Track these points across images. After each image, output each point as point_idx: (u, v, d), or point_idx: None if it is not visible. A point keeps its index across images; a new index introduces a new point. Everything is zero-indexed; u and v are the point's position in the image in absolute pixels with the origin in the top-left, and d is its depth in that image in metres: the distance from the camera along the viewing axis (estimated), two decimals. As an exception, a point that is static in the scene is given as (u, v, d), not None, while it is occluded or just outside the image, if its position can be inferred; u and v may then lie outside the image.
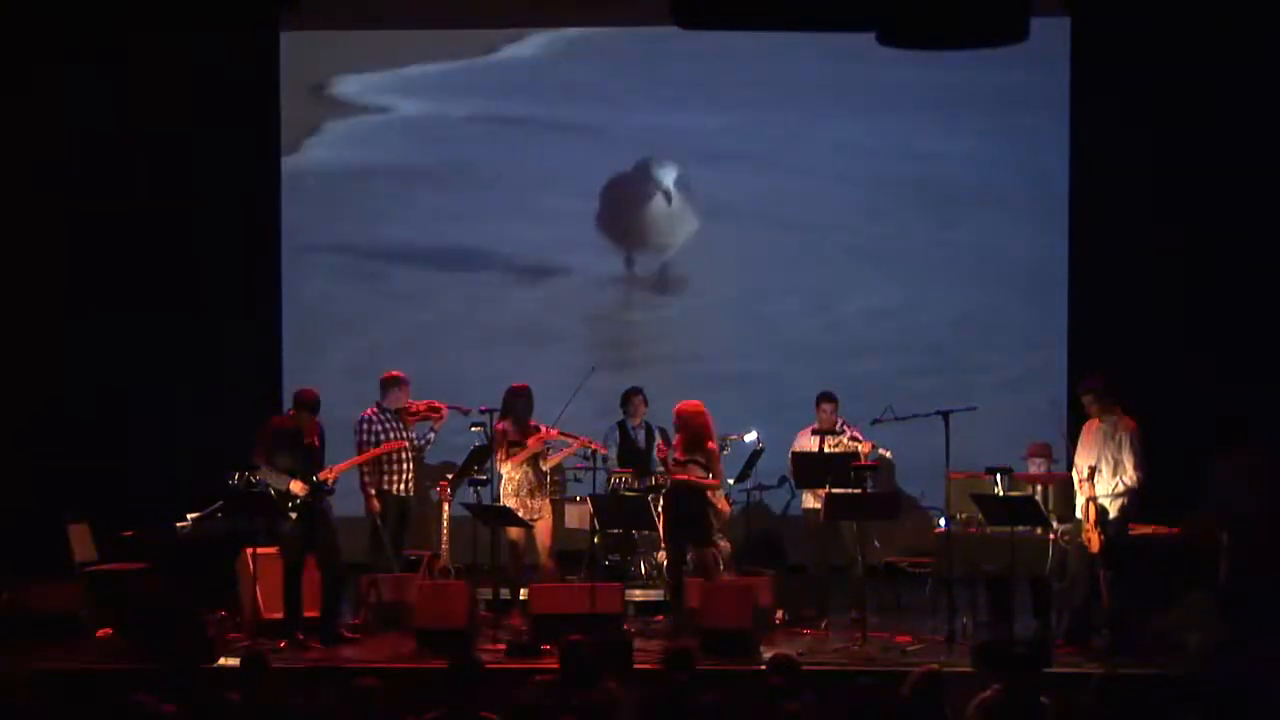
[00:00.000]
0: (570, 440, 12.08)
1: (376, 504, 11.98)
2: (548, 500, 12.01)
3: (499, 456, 11.86)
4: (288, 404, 13.95)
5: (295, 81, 14.47)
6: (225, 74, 13.99)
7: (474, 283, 14.65)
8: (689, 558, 11.56)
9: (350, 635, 11.36)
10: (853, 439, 12.16)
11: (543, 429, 11.91)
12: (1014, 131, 14.12)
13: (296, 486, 11.23)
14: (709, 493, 11.44)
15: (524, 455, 11.88)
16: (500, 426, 11.86)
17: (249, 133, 14.27)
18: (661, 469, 11.90)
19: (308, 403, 11.44)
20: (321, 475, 11.37)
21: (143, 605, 10.90)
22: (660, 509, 11.45)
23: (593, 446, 12.15)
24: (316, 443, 11.48)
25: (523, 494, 11.90)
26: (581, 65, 14.51)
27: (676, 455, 11.37)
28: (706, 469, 11.32)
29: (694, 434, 11.30)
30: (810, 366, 13.92)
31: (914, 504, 13.25)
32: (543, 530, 11.93)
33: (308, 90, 14.53)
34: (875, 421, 12.68)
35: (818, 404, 12.33)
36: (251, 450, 11.38)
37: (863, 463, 11.71)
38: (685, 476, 11.26)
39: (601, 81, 14.47)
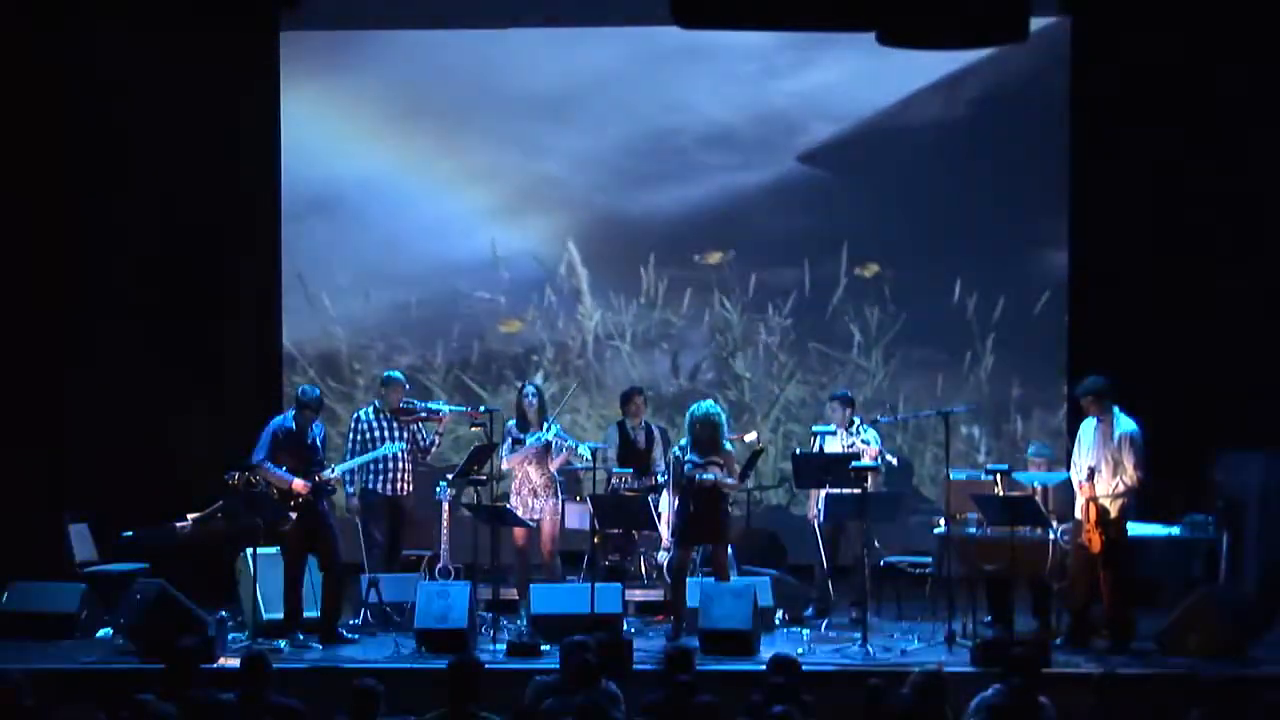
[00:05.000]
0: (565, 445, 12.10)
1: (356, 502, 12.04)
2: (552, 502, 11.99)
3: (505, 451, 11.93)
4: (288, 404, 14.00)
5: (295, 81, 14.46)
6: (225, 74, 13.97)
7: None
8: (693, 556, 11.55)
9: (349, 635, 11.36)
10: (865, 442, 12.20)
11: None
12: (1013, 131, 14.08)
13: (298, 486, 11.23)
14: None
15: (524, 454, 11.89)
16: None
17: (249, 133, 14.25)
18: (664, 471, 11.87)
19: (310, 402, 11.44)
20: (322, 476, 11.38)
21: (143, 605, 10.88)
22: (661, 509, 11.44)
23: (579, 452, 12.08)
24: (318, 442, 11.49)
25: (524, 493, 11.92)
26: (585, 65, 14.49)
27: (690, 459, 11.30)
28: (723, 469, 11.28)
29: (709, 437, 11.25)
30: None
31: (914, 504, 13.28)
32: (546, 531, 11.94)
33: (308, 90, 14.50)
34: (874, 421, 12.71)
35: (829, 404, 12.50)
36: (253, 449, 11.38)
37: (862, 463, 11.70)
38: (712, 483, 11.17)
39: (608, 81, 14.43)
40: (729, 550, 11.89)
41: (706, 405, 11.42)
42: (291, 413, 11.53)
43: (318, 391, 11.67)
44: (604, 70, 13.89)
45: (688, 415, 11.39)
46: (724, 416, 11.45)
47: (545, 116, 14.04)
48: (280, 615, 11.32)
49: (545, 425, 12.00)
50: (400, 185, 14.19)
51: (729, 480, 11.29)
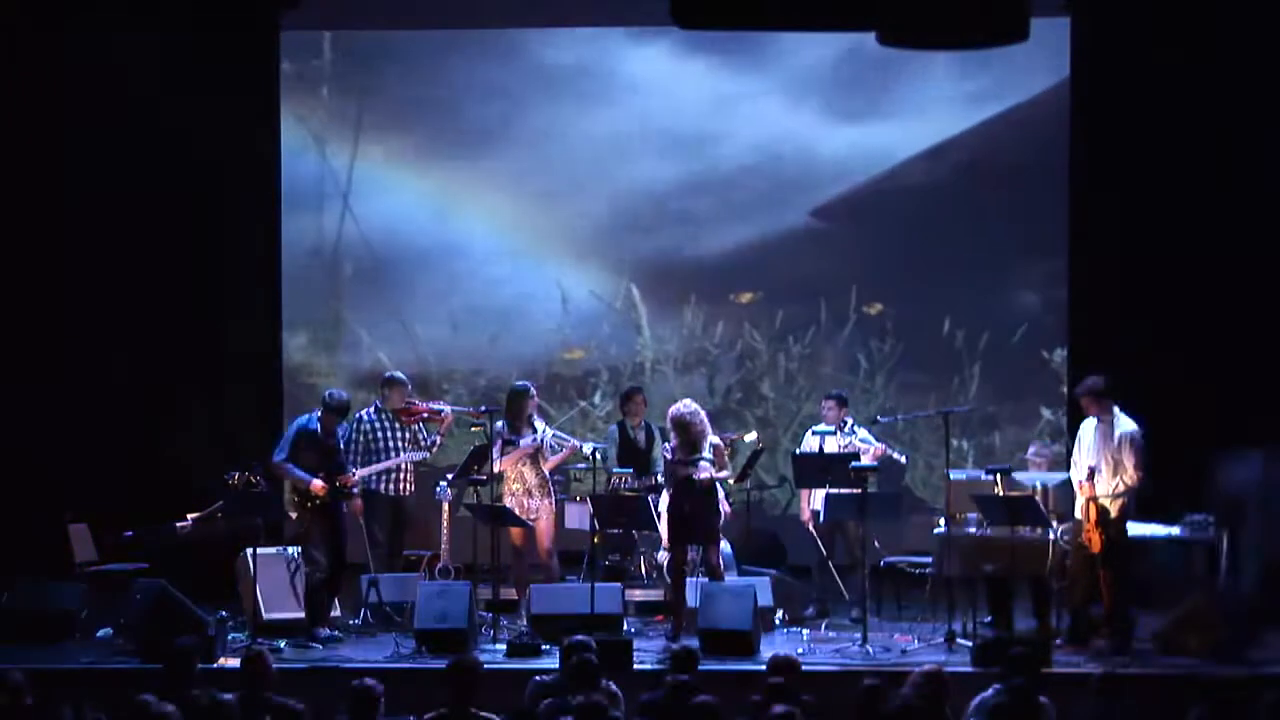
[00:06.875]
0: (564, 445, 12.08)
1: (360, 503, 12.04)
2: (547, 501, 11.98)
3: (496, 453, 11.91)
4: (287, 405, 14.03)
5: (295, 81, 14.47)
6: (225, 74, 13.97)
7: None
8: (690, 557, 11.55)
9: (330, 632, 11.33)
10: (863, 441, 12.22)
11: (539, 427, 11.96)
12: (1013, 131, 14.17)
13: (316, 487, 11.24)
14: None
15: (517, 455, 11.88)
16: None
17: (249, 132, 14.25)
18: (661, 471, 11.88)
19: (334, 406, 11.45)
20: (342, 480, 11.39)
21: (143, 605, 10.88)
22: (661, 509, 11.44)
23: (583, 452, 12.10)
24: (339, 446, 11.51)
25: (519, 493, 11.91)
26: (587, 64, 14.56)
27: (679, 458, 11.31)
28: (712, 464, 11.29)
29: (692, 436, 11.27)
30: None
31: (915, 504, 13.29)
32: (542, 530, 11.92)
33: (308, 90, 14.51)
34: (875, 421, 12.74)
35: (823, 403, 12.63)
36: (275, 448, 11.40)
37: (862, 463, 11.70)
38: (708, 480, 11.21)
39: (609, 80, 14.58)
40: (728, 549, 11.91)
41: (679, 406, 11.44)
42: (317, 414, 11.55)
43: (345, 396, 11.67)
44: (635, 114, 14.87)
45: (669, 418, 11.44)
46: (702, 415, 11.45)
47: (560, 127, 14.83)
48: (281, 615, 11.33)
49: (540, 427, 12.00)
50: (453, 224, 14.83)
51: (721, 473, 11.32)
